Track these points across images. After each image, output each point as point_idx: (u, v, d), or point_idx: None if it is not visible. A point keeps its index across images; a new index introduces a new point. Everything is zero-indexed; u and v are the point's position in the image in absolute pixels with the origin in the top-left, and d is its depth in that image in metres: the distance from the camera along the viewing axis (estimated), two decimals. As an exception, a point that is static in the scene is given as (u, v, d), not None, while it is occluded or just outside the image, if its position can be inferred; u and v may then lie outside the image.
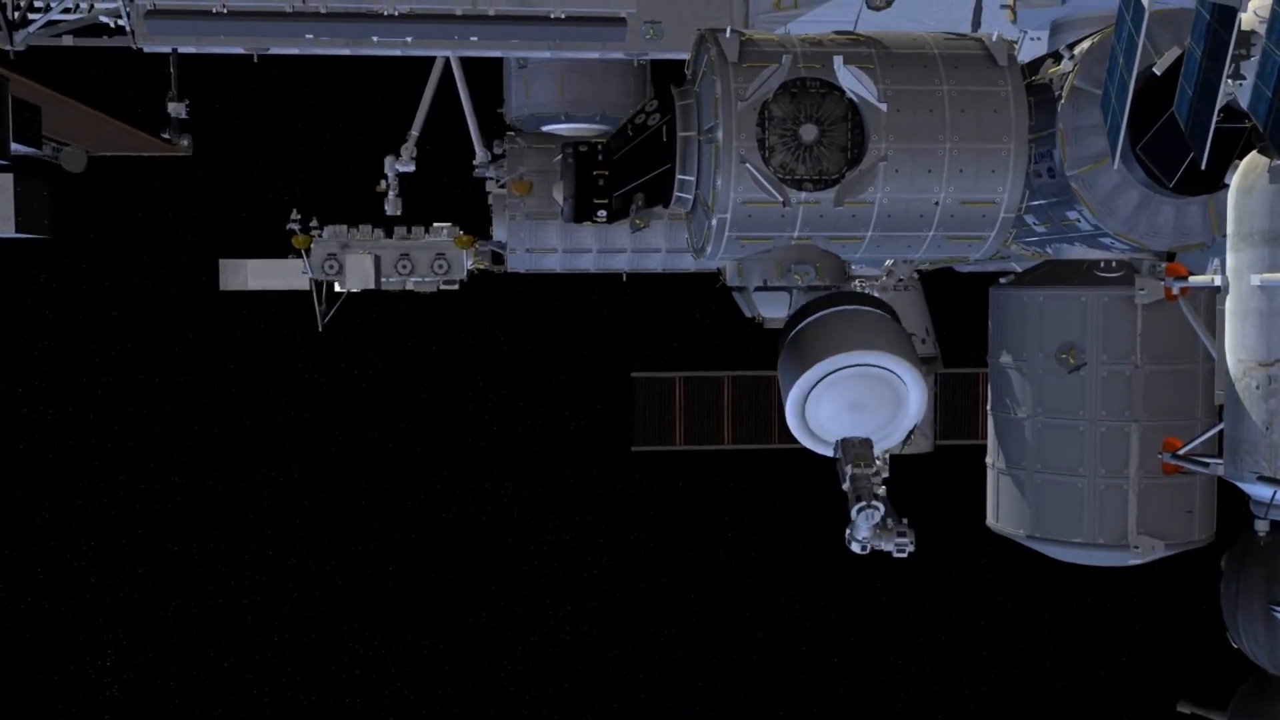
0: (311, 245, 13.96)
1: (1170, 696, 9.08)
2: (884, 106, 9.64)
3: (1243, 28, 7.26)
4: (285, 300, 14.62)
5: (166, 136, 12.71)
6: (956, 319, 15.56)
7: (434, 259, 14.24)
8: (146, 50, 11.73)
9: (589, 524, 23.71)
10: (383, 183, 14.10)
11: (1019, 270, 12.03)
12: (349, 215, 14.27)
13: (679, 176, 10.10)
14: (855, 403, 9.34)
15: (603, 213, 10.31)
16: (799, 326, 9.80)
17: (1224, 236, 8.34)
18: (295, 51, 11.96)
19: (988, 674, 24.20)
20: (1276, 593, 8.29)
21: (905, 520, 8.82)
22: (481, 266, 14.53)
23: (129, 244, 20.79)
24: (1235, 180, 8.08)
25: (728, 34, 9.73)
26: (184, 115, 12.76)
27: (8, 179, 11.63)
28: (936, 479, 15.72)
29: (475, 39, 11.95)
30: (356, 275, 14.08)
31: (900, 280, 14.76)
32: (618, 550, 23.95)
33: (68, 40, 11.89)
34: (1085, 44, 9.93)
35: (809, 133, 9.69)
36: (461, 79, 14.00)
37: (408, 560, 23.69)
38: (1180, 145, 8.94)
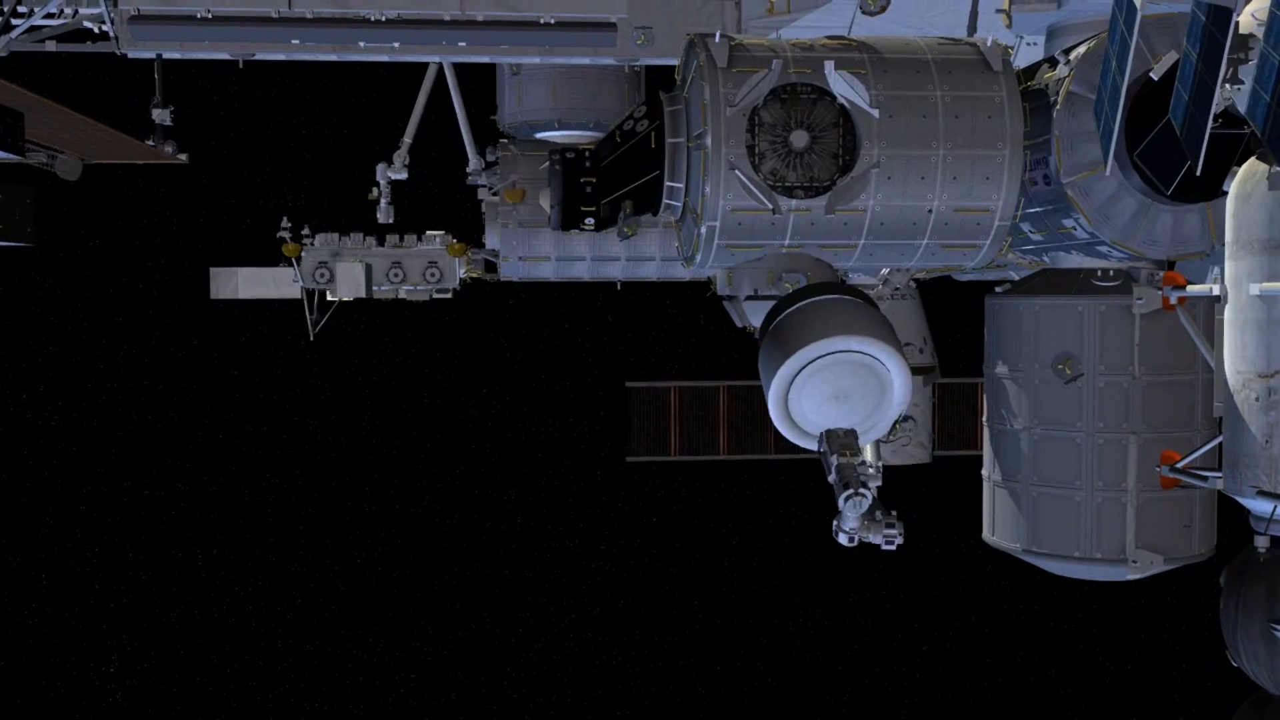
0: (303, 253, 13.82)
1: (1168, 715, 8.90)
2: (876, 112, 9.51)
3: (1240, 31, 7.10)
4: (278, 308, 14.52)
5: (152, 143, 12.58)
6: (955, 328, 15.38)
7: (426, 267, 14.11)
8: (130, 56, 11.60)
9: (583, 535, 23.58)
10: (375, 190, 13.97)
11: (1016, 279, 11.88)
12: (341, 223, 14.16)
13: (668, 184, 9.98)
14: (839, 392, 9.10)
15: (590, 220, 10.18)
16: (776, 320, 9.61)
17: (1223, 244, 8.18)
18: (281, 57, 11.82)
19: (983, 690, 24.03)
20: (1277, 611, 8.10)
21: (894, 512, 8.63)
22: (474, 275, 14.39)
23: (119, 252, 20.69)
24: (1234, 187, 7.91)
25: (717, 39, 9.59)
26: (169, 122, 12.62)
27: None
28: (934, 490, 15.55)
29: (463, 44, 11.82)
30: (347, 284, 13.95)
31: (897, 289, 14.60)
32: (613, 561, 23.82)
33: (51, 46, 11.77)
34: (1082, 49, 9.78)
35: (800, 139, 9.55)
36: (455, 86, 13.89)
37: (407, 567, 23.60)
38: (1178, 152, 8.77)
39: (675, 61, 10.56)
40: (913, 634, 23.84)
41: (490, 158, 13.89)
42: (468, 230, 14.26)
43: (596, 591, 23.99)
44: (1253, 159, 7.79)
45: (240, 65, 11.86)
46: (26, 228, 11.86)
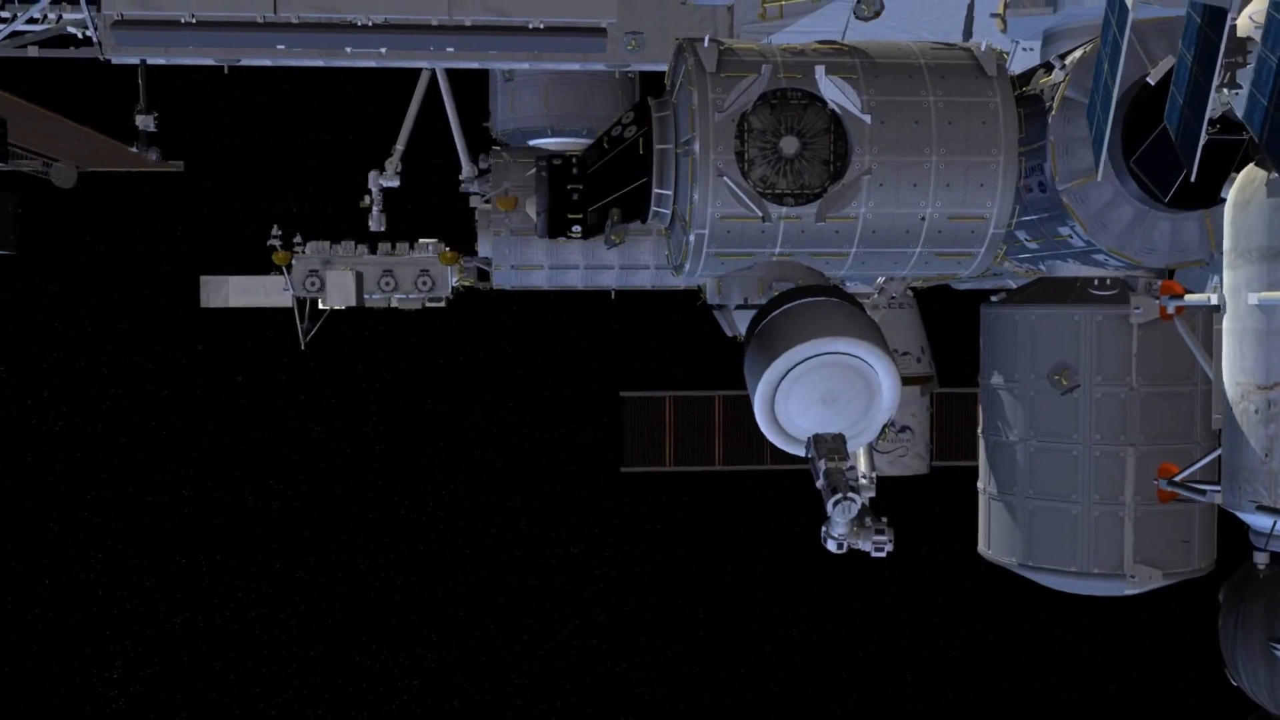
0: (293, 261, 13.69)
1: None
2: (867, 118, 9.33)
3: (1238, 34, 6.92)
4: (270, 317, 14.39)
5: (136, 149, 12.45)
6: (953, 337, 15.20)
7: (418, 275, 13.96)
8: (115, 61, 11.48)
9: (579, 545, 23.46)
10: (367, 198, 13.85)
11: (1014, 287, 11.72)
12: (332, 231, 14.03)
13: (656, 191, 9.80)
14: (826, 395, 8.86)
15: (578, 228, 10.01)
16: (762, 323, 9.41)
17: (1222, 253, 8.00)
18: (267, 63, 11.70)
19: (980, 705, 23.88)
20: (1277, 629, 7.90)
21: (884, 519, 8.44)
22: (467, 283, 14.26)
23: (109, 260, 20.63)
24: (1232, 194, 7.72)
25: (705, 43, 9.43)
26: (153, 128, 12.49)
27: None
28: (932, 501, 15.37)
29: (452, 50, 11.69)
30: (338, 292, 13.81)
31: (894, 298, 14.40)
32: (614, 567, 23.71)
33: (34, 51, 11.63)
34: (1077, 53, 9.60)
35: (790, 145, 9.38)
36: (448, 92, 13.75)
37: (397, 575, 23.52)
38: (1175, 158, 8.58)
39: (666, 67, 10.41)
40: (914, 643, 23.71)
41: (483, 165, 13.76)
42: (460, 238, 14.14)
43: (596, 600, 23.91)
44: (1251, 165, 7.60)
45: (225, 71, 11.75)
46: (10, 235, 11.74)
